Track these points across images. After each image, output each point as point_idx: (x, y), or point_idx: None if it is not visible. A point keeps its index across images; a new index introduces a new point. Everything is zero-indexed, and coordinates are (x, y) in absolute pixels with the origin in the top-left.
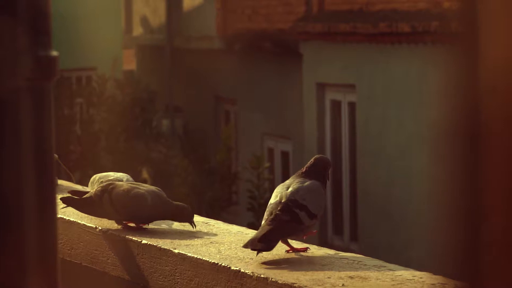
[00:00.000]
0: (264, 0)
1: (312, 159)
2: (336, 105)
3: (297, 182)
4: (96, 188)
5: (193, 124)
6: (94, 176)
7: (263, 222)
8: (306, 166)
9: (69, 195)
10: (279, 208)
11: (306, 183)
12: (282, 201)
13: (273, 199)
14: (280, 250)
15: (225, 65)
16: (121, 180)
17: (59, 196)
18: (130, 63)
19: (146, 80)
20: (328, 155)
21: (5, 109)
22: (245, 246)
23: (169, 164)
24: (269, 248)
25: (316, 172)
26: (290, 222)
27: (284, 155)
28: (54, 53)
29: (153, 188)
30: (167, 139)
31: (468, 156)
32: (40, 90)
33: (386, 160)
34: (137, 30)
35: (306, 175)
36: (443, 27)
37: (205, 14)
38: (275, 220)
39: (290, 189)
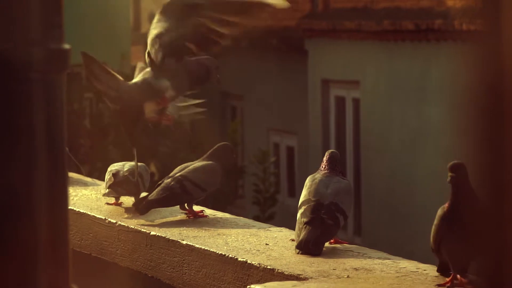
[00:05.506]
0: None
1: (328, 155)
2: (340, 101)
3: (334, 182)
4: (164, 184)
5: (200, 119)
6: (109, 168)
7: (303, 218)
8: (327, 161)
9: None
10: (323, 211)
11: (343, 185)
12: (325, 203)
13: (309, 195)
14: (285, 241)
15: (232, 61)
16: (121, 170)
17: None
18: (138, 59)
19: None
20: (332, 149)
21: (18, 101)
22: (298, 247)
23: (176, 158)
24: (320, 253)
25: (338, 167)
26: (333, 226)
27: (289, 150)
28: (66, 46)
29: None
30: (174, 134)
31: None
32: (52, 82)
33: (389, 155)
34: (145, 27)
35: (333, 171)
36: (446, 25)
37: None
38: (323, 224)
39: (329, 190)
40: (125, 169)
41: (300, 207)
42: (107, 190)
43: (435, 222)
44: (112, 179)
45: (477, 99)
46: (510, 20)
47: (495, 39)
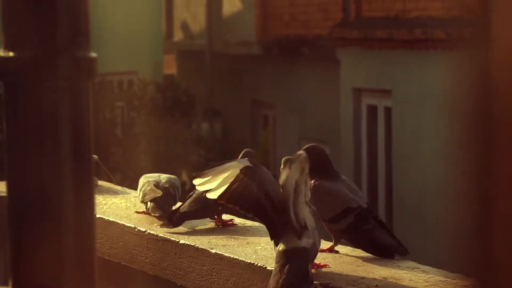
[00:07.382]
0: (303, 6)
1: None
2: (372, 110)
3: (347, 184)
4: (195, 195)
5: (232, 128)
6: (143, 179)
7: (364, 226)
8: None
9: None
10: (373, 216)
11: (354, 185)
12: (365, 207)
13: (350, 203)
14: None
15: (264, 70)
16: (159, 182)
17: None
18: (170, 68)
19: (186, 84)
20: (364, 159)
21: (44, 108)
22: (385, 255)
23: (208, 167)
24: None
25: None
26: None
27: None
28: (93, 54)
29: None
30: (207, 142)
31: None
32: (78, 90)
33: (421, 164)
34: (178, 36)
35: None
36: (476, 33)
37: (244, 20)
38: (383, 226)
39: (353, 193)
40: (163, 181)
41: (344, 215)
42: (151, 204)
43: None
44: (155, 192)
45: (467, 105)
46: (501, 27)
47: (486, 46)
